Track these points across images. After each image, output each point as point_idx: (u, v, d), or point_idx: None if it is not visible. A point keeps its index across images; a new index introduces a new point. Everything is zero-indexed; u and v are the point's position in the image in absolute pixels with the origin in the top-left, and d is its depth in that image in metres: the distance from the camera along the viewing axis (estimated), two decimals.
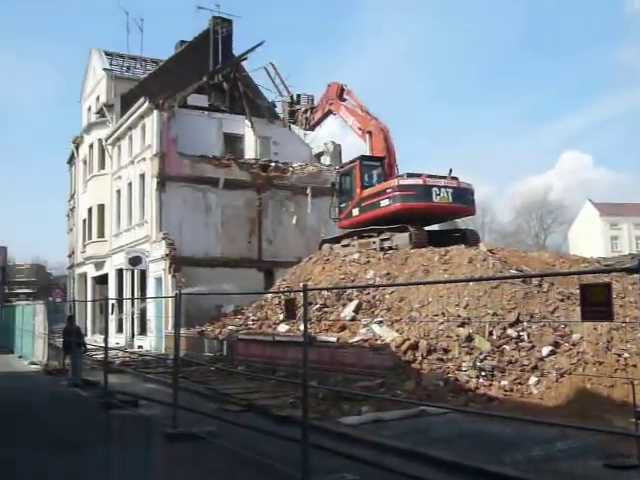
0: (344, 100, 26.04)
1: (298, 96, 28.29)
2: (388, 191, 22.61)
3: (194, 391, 15.63)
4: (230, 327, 22.96)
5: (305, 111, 27.97)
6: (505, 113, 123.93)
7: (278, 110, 30.11)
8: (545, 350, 13.73)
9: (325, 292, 19.68)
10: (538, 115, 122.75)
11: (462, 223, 45.49)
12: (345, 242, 24.52)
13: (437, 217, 23.92)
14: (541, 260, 20.49)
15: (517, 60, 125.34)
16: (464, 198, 22.73)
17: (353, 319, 17.96)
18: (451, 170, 23.17)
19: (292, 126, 35.32)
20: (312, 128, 28.01)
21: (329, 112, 26.84)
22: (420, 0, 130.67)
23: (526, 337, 14.37)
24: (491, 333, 14.65)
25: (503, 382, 13.14)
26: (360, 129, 24.87)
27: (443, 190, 22.33)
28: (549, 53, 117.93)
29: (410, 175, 22.67)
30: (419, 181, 22.48)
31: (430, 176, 22.49)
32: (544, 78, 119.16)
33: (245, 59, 35.61)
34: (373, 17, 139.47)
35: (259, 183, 31.24)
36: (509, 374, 13.32)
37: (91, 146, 39.79)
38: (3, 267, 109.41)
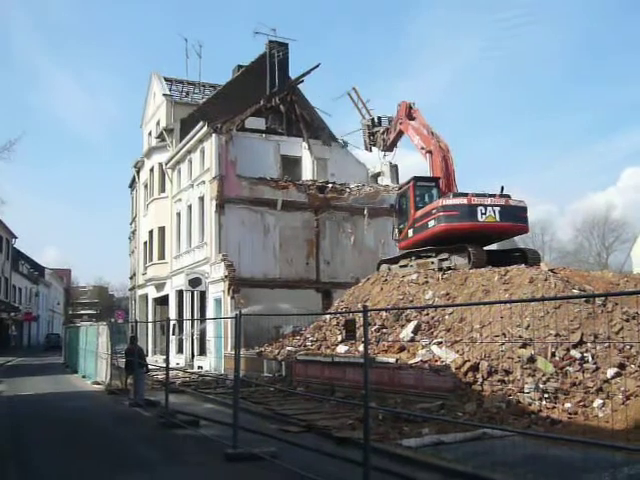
0: (413, 119, 25.84)
1: (379, 118, 28.19)
2: (433, 212, 22.49)
3: (253, 412, 15.70)
4: (289, 348, 23.01)
5: (383, 132, 27.92)
6: (565, 130, 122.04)
7: (358, 134, 30.04)
8: (610, 372, 13.35)
9: (384, 313, 19.59)
10: (599, 131, 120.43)
11: (521, 242, 44.86)
12: (403, 262, 24.38)
13: (485, 237, 22.86)
14: (604, 279, 20.03)
15: (578, 73, 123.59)
16: (514, 216, 21.98)
17: (412, 340, 17.82)
18: (502, 188, 22.74)
19: (349, 147, 35.57)
20: (389, 149, 27.79)
21: (400, 132, 26.64)
22: (472, 23, 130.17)
23: (590, 358, 14.00)
24: (554, 354, 14.33)
25: (567, 404, 12.82)
26: (422, 148, 24.67)
27: (489, 209, 21.89)
28: (610, 65, 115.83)
29: (456, 195, 22.41)
30: (463, 201, 22.16)
31: (478, 195, 22.08)
32: (604, 93, 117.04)
33: (301, 82, 35.97)
34: (426, 37, 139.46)
35: (316, 204, 31.39)
36: (573, 396, 13.00)
37: (152, 170, 40.62)
38: (67, 289, 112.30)
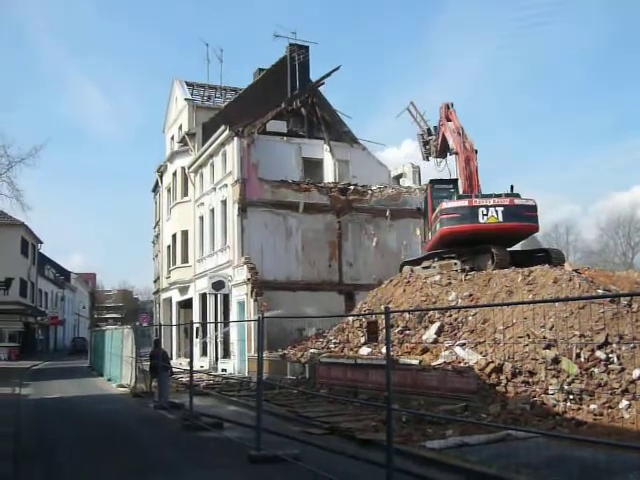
0: (449, 120, 25.48)
1: (435, 127, 27.98)
2: (438, 215, 22.57)
3: (277, 414, 15.73)
4: (312, 350, 23.02)
5: (435, 140, 27.73)
6: (589, 128, 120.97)
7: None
8: (636, 372, 13.20)
9: (406, 314, 19.54)
10: (621, 129, 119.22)
11: (545, 243, 44.56)
12: (426, 264, 24.32)
13: (491, 238, 22.27)
14: (630, 279, 19.83)
15: (602, 71, 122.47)
16: (519, 215, 21.55)
17: (435, 342, 17.76)
18: (512, 187, 22.56)
19: (369, 148, 35.53)
20: (440, 155, 27.31)
21: (444, 135, 26.27)
22: (492, 25, 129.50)
23: (616, 359, 13.86)
24: (579, 355, 14.21)
25: (592, 406, 12.71)
26: (454, 149, 24.46)
27: (492, 210, 21.64)
28: (634, 63, 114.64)
29: (461, 197, 22.27)
30: (464, 203, 22.10)
31: (484, 196, 21.94)
32: (628, 90, 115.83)
33: (322, 84, 35.99)
34: (449, 39, 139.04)
35: (338, 206, 31.39)
36: (598, 397, 12.88)
37: (174, 174, 40.88)
38: (92, 293, 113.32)
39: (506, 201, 21.76)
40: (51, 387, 25.97)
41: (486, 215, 21.59)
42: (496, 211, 21.57)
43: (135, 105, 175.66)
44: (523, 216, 21.65)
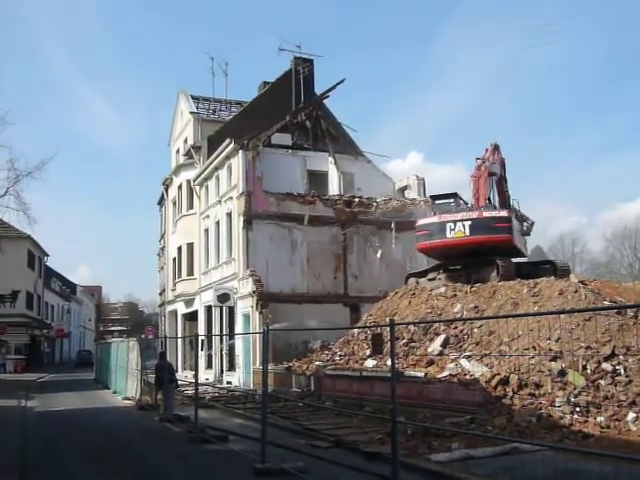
0: None
1: None
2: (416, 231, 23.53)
3: (282, 426, 15.68)
4: (317, 363, 23.00)
5: None
6: (592, 139, 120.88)
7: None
8: None
9: (412, 327, 19.53)
10: (626, 141, 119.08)
11: (551, 254, 44.46)
12: (431, 276, 24.34)
13: (463, 252, 22.69)
14: (636, 290, 19.82)
15: (607, 82, 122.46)
16: (488, 228, 21.58)
17: (441, 354, 17.73)
18: (490, 199, 22.79)
19: (374, 161, 35.61)
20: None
21: None
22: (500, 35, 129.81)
23: (622, 371, 13.83)
24: (585, 367, 14.18)
25: (599, 418, 12.66)
26: None
27: (459, 224, 21.88)
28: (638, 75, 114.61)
29: (440, 213, 23.01)
30: (434, 219, 22.54)
31: (459, 210, 22.50)
32: (633, 102, 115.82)
33: (327, 97, 36.07)
34: (456, 47, 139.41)
35: (343, 219, 31.41)
36: (605, 410, 12.83)
37: (180, 187, 40.99)
38: (98, 305, 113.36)
39: (475, 214, 21.88)
40: (57, 400, 25.96)
41: (453, 230, 21.87)
42: (463, 225, 21.79)
43: (142, 117, 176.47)
44: (491, 228, 21.62)
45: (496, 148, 25.27)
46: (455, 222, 22.06)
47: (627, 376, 13.62)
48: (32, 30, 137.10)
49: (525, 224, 24.99)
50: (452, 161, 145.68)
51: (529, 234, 25.26)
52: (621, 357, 14.18)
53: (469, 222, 21.78)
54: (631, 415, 12.46)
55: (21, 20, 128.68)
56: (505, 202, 25.43)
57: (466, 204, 23.58)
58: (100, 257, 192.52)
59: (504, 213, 22.14)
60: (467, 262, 22.95)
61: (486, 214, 21.88)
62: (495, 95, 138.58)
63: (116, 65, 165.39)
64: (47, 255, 64.99)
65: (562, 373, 14.11)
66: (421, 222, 23.48)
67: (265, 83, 39.84)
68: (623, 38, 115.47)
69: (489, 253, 22.26)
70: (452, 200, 23.57)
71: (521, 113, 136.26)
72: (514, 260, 23.23)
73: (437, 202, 24.09)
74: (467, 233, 21.77)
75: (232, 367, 31.23)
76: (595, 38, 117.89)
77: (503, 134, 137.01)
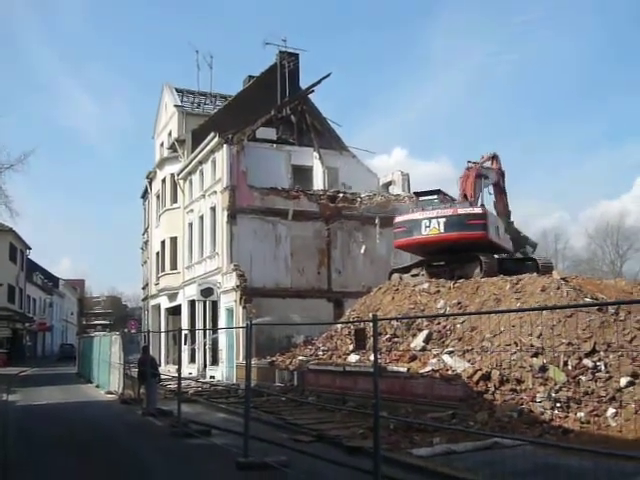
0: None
1: None
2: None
3: (265, 421, 15.72)
4: (300, 357, 23.04)
5: None
6: (577, 136, 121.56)
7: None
8: (623, 381, 13.29)
9: (395, 322, 19.59)
10: (611, 138, 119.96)
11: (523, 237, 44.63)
12: (414, 271, 24.42)
13: (439, 249, 22.95)
14: (617, 287, 19.97)
15: (592, 79, 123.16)
16: (462, 225, 21.70)
17: (423, 349, 17.82)
18: (466, 195, 22.97)
19: (358, 156, 35.69)
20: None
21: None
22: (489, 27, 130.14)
23: (603, 367, 13.95)
24: (566, 363, 14.29)
25: (579, 414, 12.77)
26: None
27: (434, 221, 22.02)
28: (626, 72, 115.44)
29: (418, 210, 23.26)
30: (410, 216, 22.95)
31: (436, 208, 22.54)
32: (618, 100, 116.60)
33: (312, 92, 36.05)
34: (444, 38, 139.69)
35: (328, 214, 31.43)
36: (585, 405, 12.95)
37: (164, 181, 40.82)
38: (81, 299, 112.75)
39: (449, 211, 21.99)
40: (39, 394, 25.84)
41: (428, 227, 21.99)
42: (438, 222, 21.87)
43: (125, 110, 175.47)
44: (465, 225, 21.71)
45: (495, 157, 25.48)
46: (430, 219, 22.16)
47: (607, 372, 13.74)
48: (11, 20, 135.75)
49: (528, 247, 24.92)
50: (437, 158, 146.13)
51: (528, 254, 25.14)
52: (602, 353, 14.31)
53: (444, 219, 21.87)
54: (611, 411, 12.58)
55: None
56: (504, 211, 25.70)
57: (453, 200, 23.65)
58: (83, 251, 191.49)
59: (478, 210, 22.21)
60: (450, 258, 23.06)
61: (460, 211, 21.97)
62: (480, 92, 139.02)
63: (99, 57, 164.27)
64: (29, 248, 64.60)
65: (543, 369, 14.22)
66: (398, 219, 23.68)
67: (250, 77, 39.67)
68: (609, 34, 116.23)
69: (464, 250, 22.39)
70: (436, 197, 23.62)
71: (506, 110, 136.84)
72: (497, 256, 23.40)
73: (421, 199, 24.16)
74: (442, 230, 21.87)
75: (215, 361, 31.21)
76: (581, 33, 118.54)
77: (489, 131, 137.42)
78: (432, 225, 22.02)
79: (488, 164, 25.47)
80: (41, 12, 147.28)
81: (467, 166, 23.92)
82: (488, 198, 25.04)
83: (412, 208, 24.92)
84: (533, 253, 26.56)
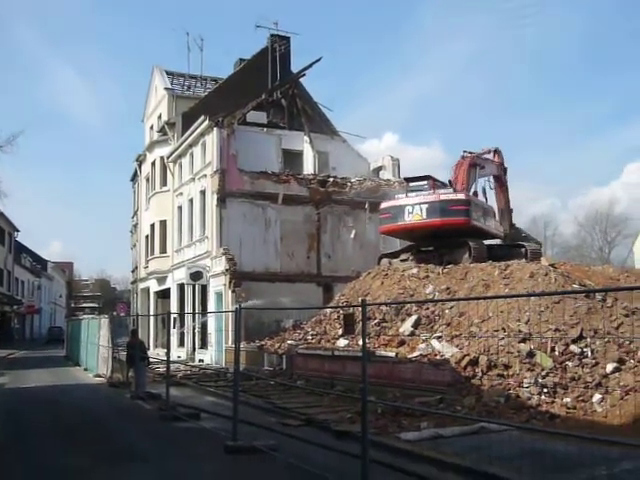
0: None
1: None
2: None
3: (254, 405, 15.77)
4: (289, 342, 23.08)
5: None
6: (568, 123, 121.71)
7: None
8: (609, 367, 13.41)
9: (384, 307, 19.64)
10: (603, 125, 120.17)
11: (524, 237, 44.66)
12: (404, 256, 24.46)
13: (423, 235, 23.12)
14: (605, 274, 20.12)
15: (581, 68, 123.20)
16: (444, 211, 21.70)
17: (412, 334, 17.88)
18: (450, 182, 23.04)
19: (349, 140, 35.62)
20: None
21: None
22: (482, 8, 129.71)
23: (590, 353, 14.06)
24: (553, 349, 14.39)
25: (566, 399, 12.87)
26: None
27: (417, 207, 22.02)
28: (614, 60, 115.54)
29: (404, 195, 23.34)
30: (394, 202, 22.99)
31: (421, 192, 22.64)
32: (609, 86, 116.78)
33: (303, 75, 35.92)
34: (434, 31, 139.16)
35: (318, 198, 31.41)
36: (572, 391, 13.05)
37: (153, 164, 40.67)
38: (69, 282, 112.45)
39: (432, 197, 21.98)
40: (27, 376, 25.82)
41: (411, 213, 21.98)
42: (421, 208, 21.87)
43: (115, 92, 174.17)
44: (448, 211, 21.71)
45: (497, 152, 25.48)
46: (413, 205, 22.17)
47: (594, 358, 13.85)
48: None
49: (530, 244, 24.72)
50: (428, 143, 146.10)
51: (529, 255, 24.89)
52: (588, 340, 14.41)
53: (426, 205, 21.87)
54: (597, 396, 12.69)
55: None
56: (505, 207, 25.72)
57: (445, 185, 23.63)
58: (72, 233, 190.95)
59: (461, 195, 22.19)
60: (439, 243, 23.12)
61: (443, 197, 21.95)
62: (471, 78, 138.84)
63: (88, 39, 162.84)
64: (17, 230, 64.30)
65: (531, 354, 14.31)
66: (383, 205, 23.73)
67: (241, 60, 39.50)
68: (598, 24, 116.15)
69: (448, 235, 22.49)
70: (425, 183, 23.62)
71: (498, 96, 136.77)
72: (486, 242, 23.47)
73: (411, 184, 24.15)
74: (424, 216, 21.88)
75: (204, 345, 31.25)
76: (570, 23, 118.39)
77: (480, 116, 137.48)
78: (415, 211, 22.04)
79: (490, 156, 25.47)
80: None
81: (462, 154, 23.89)
82: (489, 193, 25.21)
83: (396, 194, 24.96)
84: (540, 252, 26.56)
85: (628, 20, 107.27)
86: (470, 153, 24.04)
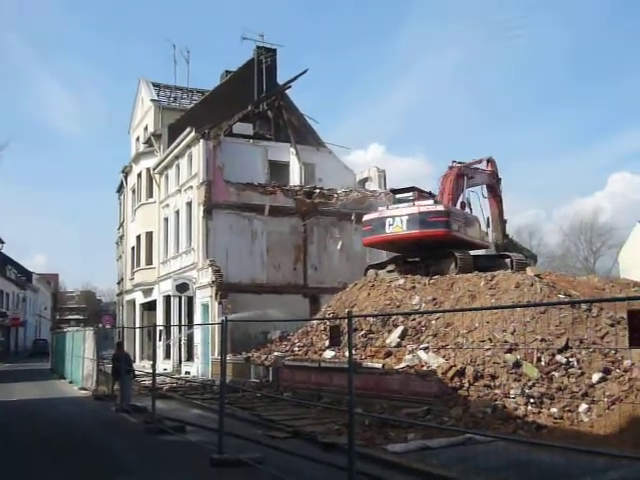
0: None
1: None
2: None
3: (240, 417, 15.68)
4: (276, 353, 23.00)
5: None
6: (553, 134, 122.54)
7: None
8: (595, 376, 13.47)
9: (371, 318, 19.62)
10: (587, 136, 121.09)
11: (509, 247, 44.82)
12: (390, 268, 24.47)
13: (403, 247, 23.35)
14: (590, 284, 20.16)
15: (566, 80, 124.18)
16: (423, 222, 21.68)
17: (399, 345, 17.85)
18: (430, 192, 23.21)
19: (335, 152, 35.70)
20: None
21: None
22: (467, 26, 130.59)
23: (575, 363, 14.11)
24: (539, 359, 14.43)
25: (552, 409, 12.90)
26: None
27: (397, 219, 22.14)
28: (599, 73, 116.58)
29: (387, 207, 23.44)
30: (375, 214, 23.11)
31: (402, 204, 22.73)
32: (593, 98, 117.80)
33: (289, 87, 36.00)
34: (419, 42, 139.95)
35: (304, 210, 31.41)
36: (558, 401, 13.08)
37: (139, 175, 40.55)
38: (55, 294, 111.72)
39: (411, 209, 22.09)
40: (12, 390, 25.57)
41: (392, 225, 22.07)
42: (401, 220, 21.97)
43: (101, 105, 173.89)
44: (427, 223, 21.70)
45: (490, 161, 25.57)
46: (394, 217, 22.27)
47: (580, 368, 13.90)
48: None
49: (516, 255, 24.68)
50: (414, 154, 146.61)
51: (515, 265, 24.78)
52: (574, 349, 14.46)
53: (406, 217, 21.97)
54: (583, 406, 12.73)
55: None
56: (499, 218, 25.80)
57: (432, 196, 23.69)
58: (57, 245, 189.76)
59: (440, 207, 22.23)
60: (425, 254, 23.16)
61: (422, 209, 22.01)
62: (457, 89, 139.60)
63: (74, 51, 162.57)
64: (2, 242, 63.83)
65: (517, 365, 14.34)
66: (365, 218, 23.89)
67: (227, 72, 39.53)
68: (586, 35, 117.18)
69: (429, 247, 22.58)
70: (411, 194, 23.69)
71: (484, 107, 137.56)
72: (472, 253, 23.50)
73: (398, 196, 24.22)
74: (404, 228, 21.95)
75: (191, 357, 31.11)
76: (558, 34, 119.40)
77: (465, 128, 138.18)
78: (395, 223, 22.14)
79: (482, 166, 25.50)
80: (15, 3, 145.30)
81: (450, 165, 23.93)
82: (483, 202, 25.36)
83: (379, 206, 25.14)
84: (534, 262, 26.66)
85: (613, 31, 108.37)
86: (460, 163, 24.09)
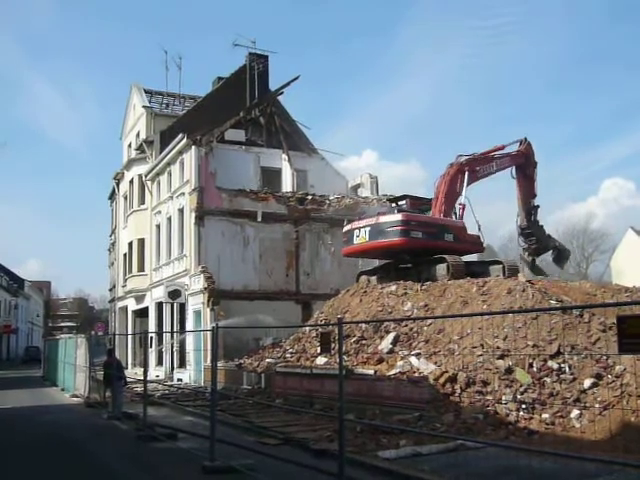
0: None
1: None
2: None
3: (232, 424, 15.63)
4: (268, 360, 22.96)
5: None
6: (545, 141, 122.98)
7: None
8: (587, 382, 13.46)
9: (362, 325, 19.62)
10: (579, 142, 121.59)
11: (502, 253, 45.03)
12: (382, 274, 24.50)
13: (373, 256, 24.40)
14: (582, 290, 20.17)
15: (560, 85, 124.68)
16: (383, 232, 21.89)
17: (391, 352, 17.84)
18: (424, 198, 23.40)
19: (327, 158, 35.77)
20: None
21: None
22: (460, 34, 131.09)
23: (567, 369, 14.11)
24: (531, 365, 14.43)
25: (544, 415, 12.90)
26: None
27: (362, 230, 22.47)
28: (593, 77, 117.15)
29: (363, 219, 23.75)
30: (350, 226, 23.63)
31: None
32: (586, 104, 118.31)
33: (281, 94, 36.08)
34: (418, 44, 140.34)
35: (296, 216, 31.42)
36: (550, 407, 13.08)
37: (131, 182, 40.50)
38: (47, 301, 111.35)
39: (372, 220, 22.36)
40: (3, 397, 25.42)
41: (358, 236, 22.42)
42: (365, 231, 22.29)
43: (93, 112, 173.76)
44: (387, 233, 21.94)
45: (523, 142, 25.23)
46: (360, 229, 22.67)
47: (572, 374, 13.90)
48: None
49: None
50: (407, 160, 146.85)
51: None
52: (566, 355, 14.46)
53: (369, 228, 22.24)
54: (575, 412, 12.73)
55: None
56: (525, 201, 25.75)
57: (429, 201, 23.74)
58: (49, 252, 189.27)
59: (397, 217, 22.23)
60: (417, 260, 23.19)
61: (382, 219, 22.32)
62: (452, 94, 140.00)
63: (67, 56, 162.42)
64: None
65: (509, 371, 14.34)
66: (344, 229, 24.48)
67: (219, 78, 39.56)
68: (586, 34, 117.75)
69: (389, 257, 23.74)
70: (404, 202, 23.80)
71: (477, 112, 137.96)
72: (465, 259, 23.51)
73: (393, 205, 24.43)
74: (367, 239, 22.35)
75: (183, 364, 31.01)
76: (555, 37, 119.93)
77: (460, 132, 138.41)
78: (361, 234, 22.55)
79: (515, 147, 25.22)
80: (9, 8, 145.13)
81: (452, 162, 23.71)
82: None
83: (369, 213, 25.50)
84: (566, 261, 26.66)
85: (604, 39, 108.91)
86: (460, 156, 23.79)
